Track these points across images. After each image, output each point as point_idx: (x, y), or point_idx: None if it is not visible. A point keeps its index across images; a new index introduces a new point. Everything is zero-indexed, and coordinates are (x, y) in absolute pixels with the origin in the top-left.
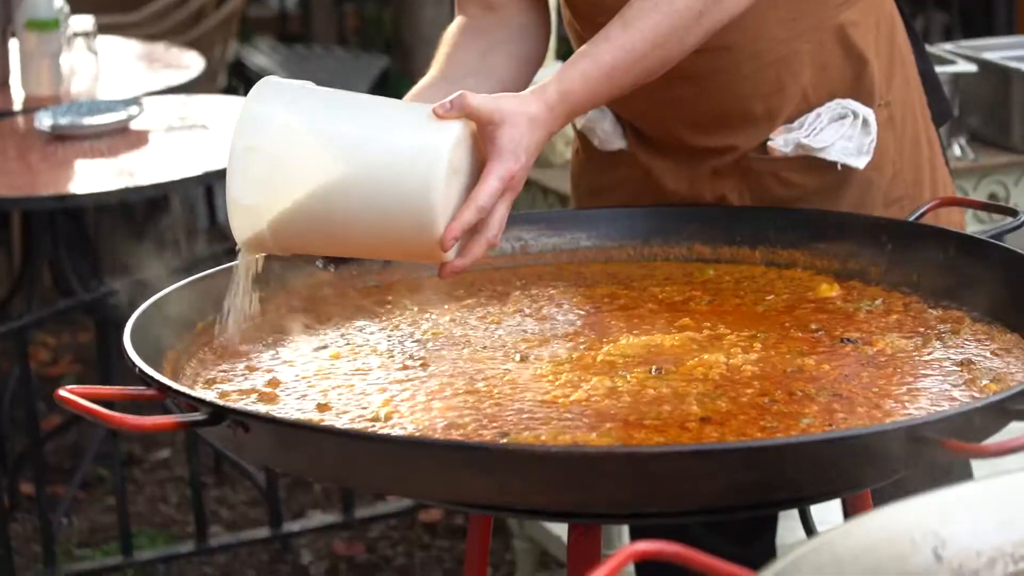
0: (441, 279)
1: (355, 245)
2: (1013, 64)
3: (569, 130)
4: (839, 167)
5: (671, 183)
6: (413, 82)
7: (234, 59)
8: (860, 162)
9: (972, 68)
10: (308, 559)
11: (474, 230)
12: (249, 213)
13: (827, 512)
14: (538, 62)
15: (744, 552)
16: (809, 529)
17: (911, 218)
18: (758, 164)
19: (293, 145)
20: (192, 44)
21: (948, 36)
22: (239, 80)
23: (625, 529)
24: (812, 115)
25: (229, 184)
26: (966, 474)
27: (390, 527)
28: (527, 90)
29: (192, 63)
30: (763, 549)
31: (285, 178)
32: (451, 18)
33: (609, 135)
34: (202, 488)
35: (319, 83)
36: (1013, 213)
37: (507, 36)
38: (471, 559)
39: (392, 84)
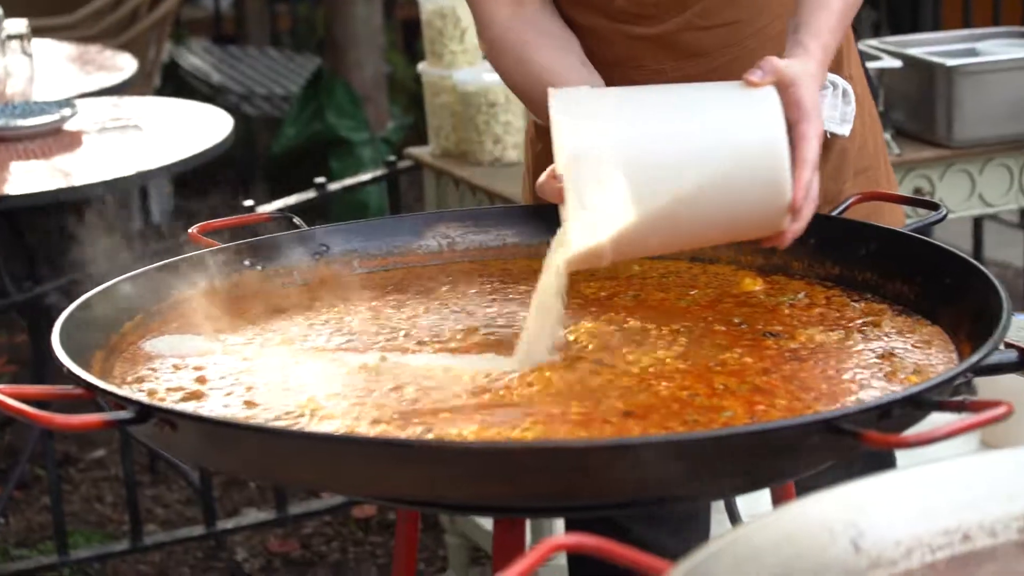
0: (781, 247)
1: (699, 235)
2: (937, 59)
3: (519, 129)
4: (828, 135)
5: None
6: (346, 80)
7: (168, 61)
8: (844, 129)
9: (897, 64)
10: (243, 556)
11: None
12: (589, 226)
13: (756, 504)
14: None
15: (680, 543)
16: (735, 520)
17: (835, 212)
18: None
19: (622, 150)
20: (126, 46)
21: (876, 32)
22: (173, 82)
23: (560, 522)
24: None
25: (567, 199)
26: (891, 465)
27: (324, 523)
28: (787, 52)
29: (125, 65)
30: (699, 540)
31: (624, 186)
32: (381, 17)
33: None
34: (137, 487)
35: (254, 83)
36: (935, 207)
37: (551, 25)
38: (399, 553)
39: (325, 84)
